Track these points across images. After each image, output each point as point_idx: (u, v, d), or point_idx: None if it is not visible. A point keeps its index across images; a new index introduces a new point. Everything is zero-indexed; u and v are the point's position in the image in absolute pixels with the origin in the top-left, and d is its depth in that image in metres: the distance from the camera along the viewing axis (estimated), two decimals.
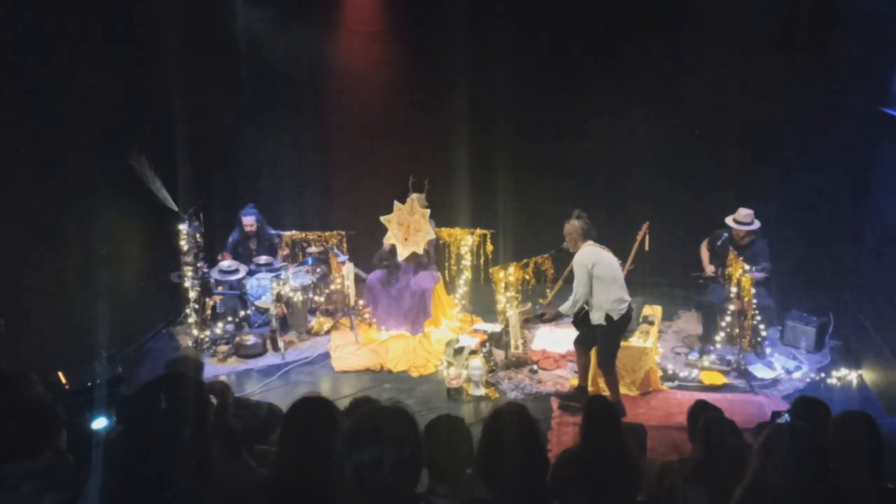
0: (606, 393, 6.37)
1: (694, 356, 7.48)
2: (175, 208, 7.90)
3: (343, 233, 8.68)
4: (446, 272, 8.52)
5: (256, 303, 8.14)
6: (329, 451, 2.17)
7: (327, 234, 8.69)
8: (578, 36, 8.40)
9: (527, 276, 7.75)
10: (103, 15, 7.04)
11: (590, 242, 6.31)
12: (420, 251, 8.11)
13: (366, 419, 2.15)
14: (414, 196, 8.12)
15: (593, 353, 6.62)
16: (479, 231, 8.28)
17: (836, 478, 2.47)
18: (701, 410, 4.09)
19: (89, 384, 5.71)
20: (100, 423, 5.30)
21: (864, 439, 3.10)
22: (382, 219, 8.16)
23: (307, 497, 2.50)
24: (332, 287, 8.68)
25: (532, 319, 7.82)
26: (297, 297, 8.19)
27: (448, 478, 2.79)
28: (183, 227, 7.78)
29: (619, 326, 6.34)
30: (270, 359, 7.78)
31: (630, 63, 8.30)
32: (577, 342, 6.70)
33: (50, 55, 6.49)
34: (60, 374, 5.73)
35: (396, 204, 8.10)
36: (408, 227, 8.09)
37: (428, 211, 8.06)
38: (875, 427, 3.23)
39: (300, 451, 2.62)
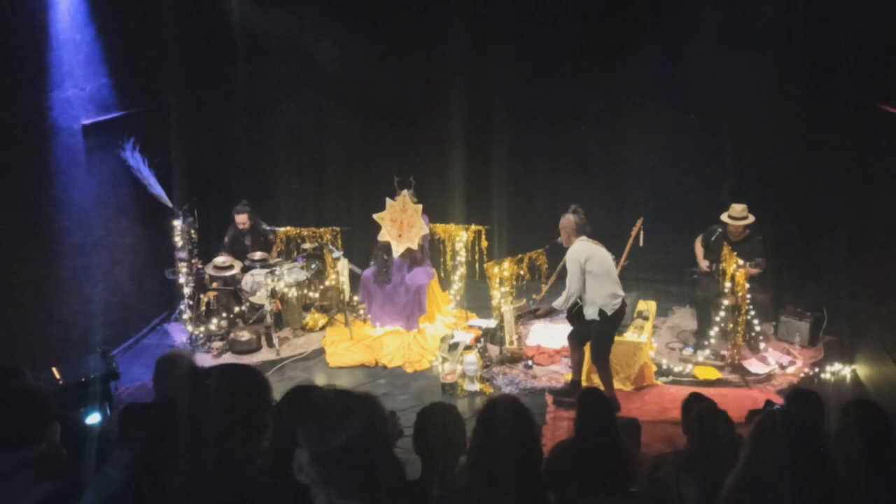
0: (601, 388, 6.38)
1: (688, 351, 7.50)
2: (169, 204, 7.89)
3: (338, 229, 8.66)
4: (441, 268, 8.53)
5: (251, 299, 8.13)
6: None
7: (322, 229, 8.68)
8: (574, 32, 8.40)
9: (521, 272, 7.76)
10: (100, 10, 7.03)
11: (583, 238, 6.32)
12: (415, 247, 8.11)
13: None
14: (405, 192, 8.12)
15: (587, 349, 6.64)
16: (473, 227, 8.28)
17: (830, 464, 2.48)
18: (694, 401, 4.11)
19: (83, 380, 5.73)
20: (94, 419, 5.30)
21: (874, 429, 3.13)
22: (376, 216, 8.16)
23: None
24: (327, 283, 8.68)
25: (526, 315, 7.82)
26: (292, 293, 8.18)
27: (441, 466, 2.80)
28: (177, 224, 7.77)
29: (613, 322, 6.35)
30: (265, 355, 7.79)
31: (626, 58, 8.31)
32: (571, 337, 6.71)
33: (45, 50, 6.48)
34: (54, 370, 5.73)
35: (388, 201, 8.10)
36: (401, 223, 8.09)
37: (420, 206, 8.06)
38: (886, 417, 3.25)
39: (293, 440, 2.62)
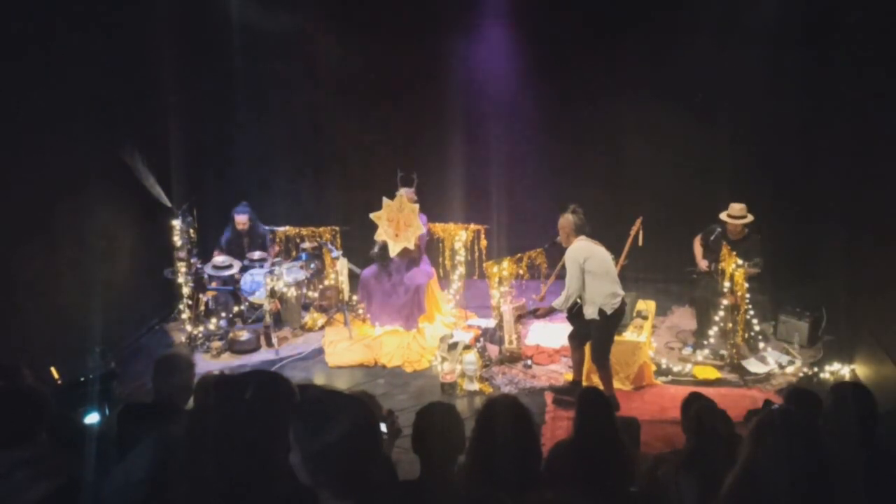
0: (601, 387, 6.37)
1: (687, 351, 7.50)
2: (168, 204, 7.88)
3: (336, 228, 8.66)
4: (440, 268, 8.52)
5: (250, 298, 8.13)
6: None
7: (321, 229, 8.68)
8: (574, 30, 8.41)
9: (520, 271, 7.75)
10: (98, 9, 7.02)
11: (582, 237, 6.32)
12: (411, 246, 8.11)
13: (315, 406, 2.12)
14: (402, 191, 8.12)
15: (588, 348, 6.64)
16: (473, 226, 8.28)
17: (828, 459, 2.48)
18: (694, 401, 4.11)
19: (82, 379, 5.72)
20: (92, 418, 5.29)
21: (858, 406, 3.15)
22: (372, 216, 8.16)
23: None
24: (326, 283, 8.68)
25: (526, 315, 7.82)
26: (291, 293, 8.18)
27: (440, 465, 2.79)
28: (176, 223, 7.77)
29: (613, 321, 6.35)
30: (264, 355, 7.78)
31: (626, 58, 8.31)
32: (572, 337, 6.71)
33: (44, 48, 6.47)
34: (53, 369, 5.72)
35: (385, 200, 8.10)
36: (398, 222, 8.08)
37: (417, 206, 8.06)
38: (869, 395, 3.28)
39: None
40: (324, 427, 2.00)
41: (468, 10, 8.29)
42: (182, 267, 7.86)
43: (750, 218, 7.43)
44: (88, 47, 7.01)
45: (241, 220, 8.33)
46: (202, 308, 8.17)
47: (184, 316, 8.00)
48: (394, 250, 8.13)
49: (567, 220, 6.35)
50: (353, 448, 2.00)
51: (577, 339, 6.66)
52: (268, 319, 7.90)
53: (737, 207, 7.45)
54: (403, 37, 8.65)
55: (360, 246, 8.74)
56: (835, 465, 2.52)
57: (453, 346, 7.14)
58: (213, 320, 8.05)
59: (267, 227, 8.62)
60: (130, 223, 7.98)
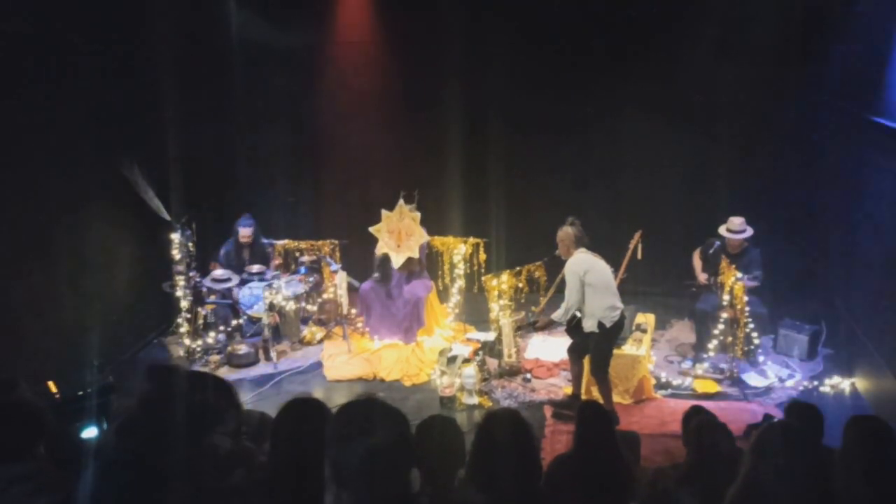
0: (600, 401, 6.36)
1: (687, 364, 7.49)
2: (167, 217, 7.87)
3: (336, 242, 8.65)
4: (439, 281, 8.51)
5: (249, 312, 8.11)
6: (320, 450, 2.15)
7: (320, 243, 8.67)
8: (573, 45, 8.45)
9: (520, 284, 7.75)
10: (95, 23, 7.04)
11: (582, 250, 6.33)
12: (415, 255, 8.10)
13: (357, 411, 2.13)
14: (402, 203, 8.12)
15: (587, 362, 6.63)
16: (472, 240, 8.28)
17: (830, 477, 2.47)
18: (694, 414, 4.10)
19: (80, 393, 5.69)
20: (90, 433, 5.27)
21: (878, 445, 3.07)
22: (372, 229, 8.15)
23: (298, 496, 2.49)
24: (325, 296, 8.66)
25: (525, 328, 7.82)
26: (290, 307, 8.16)
27: (440, 478, 2.78)
28: (175, 237, 7.75)
29: (612, 334, 6.35)
30: (262, 368, 7.76)
31: (623, 71, 8.34)
32: (571, 350, 6.70)
33: (42, 63, 6.49)
34: (51, 384, 5.69)
35: (384, 212, 8.10)
36: (399, 233, 8.08)
37: (418, 214, 8.06)
38: (890, 434, 3.20)
39: (291, 450, 2.61)
40: (362, 433, 2.01)
41: (469, 26, 8.32)
42: (181, 280, 7.84)
43: (750, 231, 7.44)
44: (87, 60, 7.03)
45: (246, 232, 8.32)
46: (201, 322, 8.15)
47: (182, 330, 7.97)
48: (397, 262, 8.12)
49: (566, 232, 6.36)
50: (385, 458, 2.00)
51: (576, 353, 6.65)
52: (266, 333, 7.88)
53: (736, 221, 7.46)
54: (402, 51, 8.68)
55: (360, 259, 8.74)
56: (846, 493, 2.50)
57: (452, 360, 7.13)
58: (212, 334, 8.03)
59: (266, 241, 8.61)
60: (129, 237, 7.96)
